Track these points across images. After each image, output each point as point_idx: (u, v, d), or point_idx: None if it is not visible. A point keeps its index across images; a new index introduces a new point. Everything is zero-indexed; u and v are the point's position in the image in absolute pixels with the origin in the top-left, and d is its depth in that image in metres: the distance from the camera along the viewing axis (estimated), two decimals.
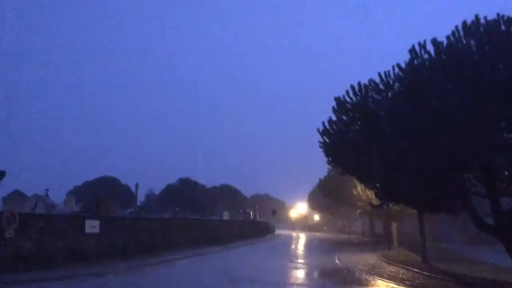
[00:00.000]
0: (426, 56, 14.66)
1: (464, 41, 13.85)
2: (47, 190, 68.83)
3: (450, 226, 21.43)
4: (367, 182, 19.89)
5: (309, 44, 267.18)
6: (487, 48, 13.09)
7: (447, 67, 13.51)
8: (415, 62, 14.94)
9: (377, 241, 38.22)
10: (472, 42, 13.71)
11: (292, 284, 13.70)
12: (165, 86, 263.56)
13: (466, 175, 15.00)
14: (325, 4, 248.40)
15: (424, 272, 16.68)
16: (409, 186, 14.79)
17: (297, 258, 23.89)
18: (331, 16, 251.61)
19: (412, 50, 14.97)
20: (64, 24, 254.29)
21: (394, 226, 34.22)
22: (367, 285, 13.83)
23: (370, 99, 16.79)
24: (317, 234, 66.98)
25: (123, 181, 77.24)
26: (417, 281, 14.74)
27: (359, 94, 16.87)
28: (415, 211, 21.39)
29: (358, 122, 17.01)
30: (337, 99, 17.62)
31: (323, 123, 18.18)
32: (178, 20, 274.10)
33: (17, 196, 65.51)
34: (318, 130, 18.62)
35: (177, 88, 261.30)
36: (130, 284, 13.20)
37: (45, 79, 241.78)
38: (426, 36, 15.13)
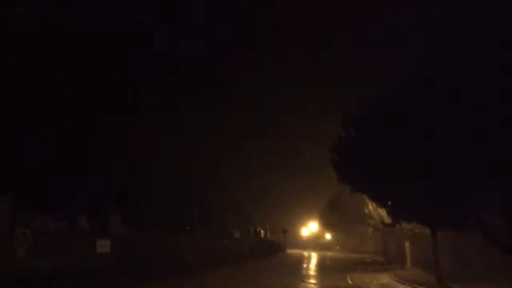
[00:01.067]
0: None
1: None
2: (58, 207, 69.00)
3: (467, 244, 21.02)
4: (378, 200, 19.72)
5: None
6: None
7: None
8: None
9: (390, 260, 37.61)
10: None
11: None
12: None
13: (479, 191, 14.79)
14: None
15: None
16: (420, 203, 14.64)
17: (308, 278, 23.58)
18: None
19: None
20: None
21: (407, 244, 33.67)
22: None
23: (377, 115, 16.73)
24: (329, 253, 66.09)
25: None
26: None
27: (365, 108, 16.83)
28: (428, 228, 21.09)
29: (366, 138, 16.94)
30: (344, 113, 17.59)
31: (333, 140, 18.17)
32: None
33: (28, 213, 65.78)
34: (328, 147, 18.61)
35: None
36: None
37: None
38: None
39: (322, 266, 35.43)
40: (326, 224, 73.04)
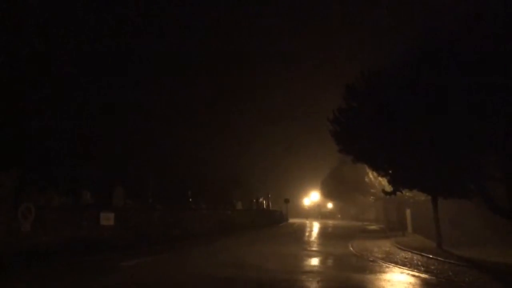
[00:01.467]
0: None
1: None
2: (62, 181, 69.45)
3: (467, 211, 21.23)
4: (379, 169, 19.81)
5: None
6: None
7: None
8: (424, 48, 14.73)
9: (391, 228, 38.09)
10: None
11: (305, 272, 13.72)
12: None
13: (480, 159, 14.83)
14: None
15: (439, 258, 16.59)
16: (422, 171, 14.70)
17: (310, 245, 23.93)
18: None
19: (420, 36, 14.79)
20: None
21: (408, 212, 34.05)
22: (380, 271, 13.81)
23: (380, 86, 16.63)
24: (330, 222, 66.92)
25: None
26: (432, 267, 14.68)
27: (369, 80, 16.73)
28: (429, 196, 21.27)
29: (368, 108, 16.86)
30: (347, 86, 17.51)
31: (333, 111, 18.08)
32: None
33: (33, 188, 66.20)
34: (328, 118, 18.54)
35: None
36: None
37: None
38: None
39: (323, 234, 35.91)
40: (328, 194, 73.64)
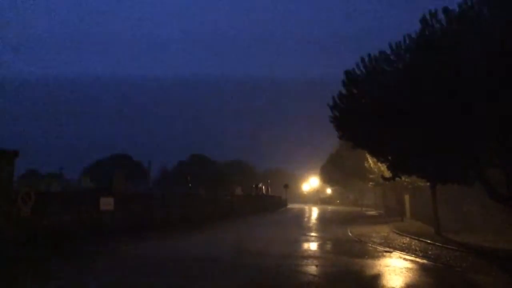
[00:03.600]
0: (437, 25, 14.37)
1: (476, 8, 13.51)
2: (61, 168, 69.79)
3: (465, 197, 21.33)
4: (379, 155, 19.80)
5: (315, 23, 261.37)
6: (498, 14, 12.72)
7: (460, 34, 13.20)
8: (426, 32, 14.61)
9: (390, 214, 38.32)
10: (485, 10, 13.34)
11: (304, 257, 13.83)
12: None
13: (478, 145, 14.79)
14: None
15: (437, 243, 16.72)
16: (420, 157, 14.69)
17: (309, 231, 24.09)
18: None
19: (423, 20, 14.64)
20: None
21: (406, 198, 34.18)
22: (379, 257, 13.91)
23: (380, 71, 16.52)
24: (329, 207, 67.27)
25: (136, 158, 78.22)
26: (429, 252, 14.79)
27: (369, 66, 16.60)
28: (428, 182, 21.31)
29: (368, 95, 16.76)
30: (347, 72, 17.39)
31: (333, 97, 18.00)
32: None
33: (32, 175, 66.50)
34: (328, 104, 18.45)
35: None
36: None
37: None
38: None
39: (322, 219, 36.14)
40: (327, 179, 73.82)
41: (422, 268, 11.98)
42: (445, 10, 14.01)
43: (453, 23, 13.92)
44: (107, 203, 19.97)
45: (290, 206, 68.42)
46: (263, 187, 60.67)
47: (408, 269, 11.55)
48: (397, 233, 21.57)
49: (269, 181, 67.44)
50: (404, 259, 13.49)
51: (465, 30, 13.16)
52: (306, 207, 65.68)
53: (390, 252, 15.04)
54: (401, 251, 15.18)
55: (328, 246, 17.49)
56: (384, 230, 23.63)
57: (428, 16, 14.50)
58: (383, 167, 24.38)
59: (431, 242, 17.23)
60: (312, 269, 11.58)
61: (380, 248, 16.00)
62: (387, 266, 12.10)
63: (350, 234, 21.93)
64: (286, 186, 64.82)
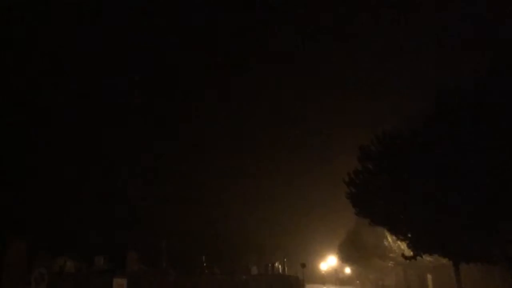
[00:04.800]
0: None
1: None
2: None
3: (492, 276, 20.36)
4: (398, 232, 19.34)
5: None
6: None
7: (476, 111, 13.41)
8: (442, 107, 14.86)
9: None
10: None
11: None
12: None
13: (504, 222, 14.42)
14: None
15: None
16: (441, 234, 14.30)
17: None
18: None
19: (437, 97, 14.96)
20: None
21: (429, 278, 32.68)
22: None
23: (395, 147, 16.66)
24: None
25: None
26: None
27: (383, 142, 16.79)
28: (450, 262, 20.48)
29: (384, 171, 16.78)
30: (362, 148, 17.58)
31: (348, 173, 18.06)
32: None
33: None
34: (344, 180, 18.46)
35: None
36: None
37: None
38: None
39: None
40: (345, 258, 71.30)
41: None
42: (459, 88, 14.36)
43: (467, 99, 14.19)
44: (120, 284, 19.53)
45: (308, 286, 65.73)
46: (280, 266, 58.73)
47: None
48: None
49: (285, 260, 65.48)
50: None
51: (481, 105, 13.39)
52: None
53: None
54: None
55: None
56: None
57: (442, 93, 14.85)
58: (403, 245, 23.65)
59: None
60: None
61: None
62: None
63: None
64: (303, 265, 62.64)
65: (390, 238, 30.50)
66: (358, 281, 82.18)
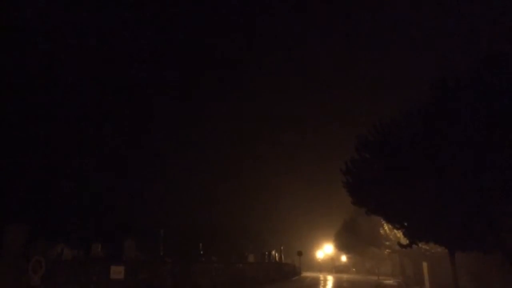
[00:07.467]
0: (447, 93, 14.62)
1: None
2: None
3: (487, 264, 20.52)
4: (394, 221, 19.45)
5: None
6: None
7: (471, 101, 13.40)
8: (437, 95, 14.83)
9: (408, 282, 36.81)
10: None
11: None
12: None
13: (497, 210, 14.50)
14: None
15: None
16: (436, 223, 14.38)
17: None
18: None
19: (433, 86, 14.94)
20: None
21: (425, 266, 32.95)
22: None
23: (392, 136, 16.66)
24: (345, 276, 64.96)
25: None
26: None
27: (381, 132, 16.79)
28: (446, 249, 20.65)
29: (381, 159, 16.81)
30: (359, 137, 17.59)
31: (346, 162, 18.08)
32: None
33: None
34: (340, 169, 18.50)
35: None
36: None
37: None
38: None
39: None
40: (342, 246, 71.89)
41: None
42: (455, 77, 14.32)
43: (463, 90, 14.17)
44: (117, 271, 19.61)
45: (304, 274, 66.22)
46: (276, 254, 59.08)
47: None
48: None
49: (282, 248, 65.84)
50: None
51: (474, 96, 13.38)
52: (321, 276, 63.50)
53: None
54: None
55: None
56: None
57: (437, 83, 14.82)
58: (399, 233, 23.83)
59: None
60: None
61: None
62: None
63: None
64: (299, 253, 63.06)
65: (386, 227, 30.72)
66: (354, 269, 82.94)
